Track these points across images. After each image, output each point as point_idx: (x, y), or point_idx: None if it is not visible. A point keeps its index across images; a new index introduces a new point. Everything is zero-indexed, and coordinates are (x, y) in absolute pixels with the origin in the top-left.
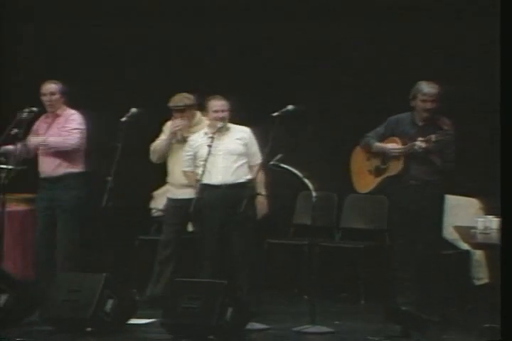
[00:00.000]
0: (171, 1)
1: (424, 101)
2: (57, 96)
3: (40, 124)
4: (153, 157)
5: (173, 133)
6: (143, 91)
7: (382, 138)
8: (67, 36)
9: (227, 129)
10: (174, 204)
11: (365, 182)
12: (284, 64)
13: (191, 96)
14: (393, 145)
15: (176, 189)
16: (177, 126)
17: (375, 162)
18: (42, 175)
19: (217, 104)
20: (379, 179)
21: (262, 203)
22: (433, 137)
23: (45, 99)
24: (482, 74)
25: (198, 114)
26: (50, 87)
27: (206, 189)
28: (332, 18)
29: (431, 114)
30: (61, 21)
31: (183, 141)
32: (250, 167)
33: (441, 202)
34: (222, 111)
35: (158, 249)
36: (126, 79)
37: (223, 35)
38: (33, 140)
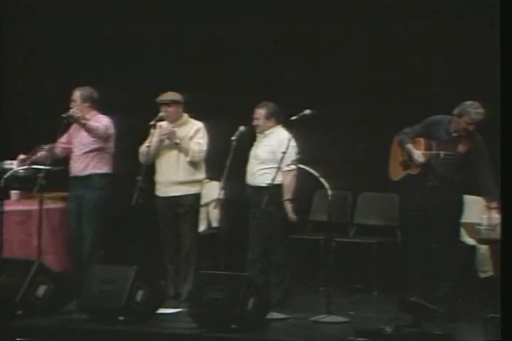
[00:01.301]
0: (173, 0)
1: (468, 123)
2: (78, 102)
3: (73, 128)
4: (143, 159)
5: (161, 140)
6: (143, 91)
7: (417, 136)
8: (67, 36)
9: (265, 135)
10: (163, 202)
11: (395, 171)
12: (295, 68)
13: (178, 94)
14: (419, 154)
15: (164, 187)
16: (164, 134)
17: (405, 156)
18: (71, 174)
19: (256, 112)
20: (404, 173)
21: (287, 209)
22: (442, 154)
23: (71, 105)
24: (482, 73)
25: (185, 115)
26: (74, 94)
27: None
28: (337, 20)
29: (467, 132)
30: (61, 21)
31: (171, 146)
32: (279, 170)
33: (456, 204)
34: (257, 119)
35: (164, 249)
36: (126, 78)
37: (229, 38)
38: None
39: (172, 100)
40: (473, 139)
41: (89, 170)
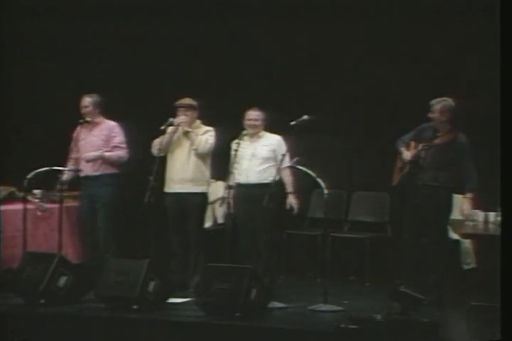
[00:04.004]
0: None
1: (440, 115)
2: (90, 108)
3: (80, 131)
4: (155, 150)
5: (177, 126)
6: (143, 90)
7: (410, 141)
8: (67, 35)
9: (259, 137)
10: (171, 198)
11: (395, 177)
12: (299, 75)
13: (193, 100)
14: (407, 153)
15: (174, 183)
16: (181, 120)
17: (401, 161)
18: (82, 174)
19: (252, 114)
20: (399, 175)
21: (293, 201)
22: (420, 146)
23: (82, 111)
24: (482, 73)
25: (198, 121)
26: (85, 100)
27: (235, 187)
28: (335, 24)
29: (448, 126)
30: (61, 21)
31: (184, 135)
32: (279, 170)
33: (444, 202)
34: (255, 120)
35: (173, 244)
36: (129, 80)
37: (234, 42)
38: (90, 154)
39: (189, 105)
40: (453, 133)
41: (101, 171)
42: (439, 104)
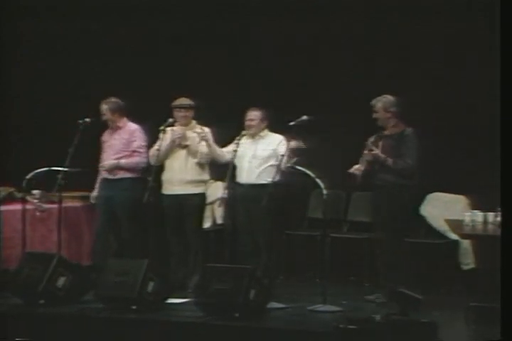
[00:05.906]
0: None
1: (384, 113)
2: (107, 115)
3: (105, 135)
4: (153, 160)
5: (173, 141)
6: (143, 90)
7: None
8: (67, 35)
9: (261, 137)
10: (169, 200)
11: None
12: (299, 75)
13: (190, 100)
14: (364, 153)
15: (172, 185)
16: (177, 136)
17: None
18: (103, 176)
19: (250, 114)
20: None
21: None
22: (369, 140)
23: (103, 118)
24: (481, 73)
25: (194, 121)
26: (102, 107)
27: (234, 187)
28: (335, 24)
29: (393, 121)
30: (61, 21)
31: (181, 147)
32: (279, 170)
33: (403, 203)
34: (252, 120)
35: (171, 245)
36: (127, 78)
37: (234, 42)
38: (107, 163)
39: (187, 105)
40: (400, 127)
41: (120, 175)
42: (380, 102)
